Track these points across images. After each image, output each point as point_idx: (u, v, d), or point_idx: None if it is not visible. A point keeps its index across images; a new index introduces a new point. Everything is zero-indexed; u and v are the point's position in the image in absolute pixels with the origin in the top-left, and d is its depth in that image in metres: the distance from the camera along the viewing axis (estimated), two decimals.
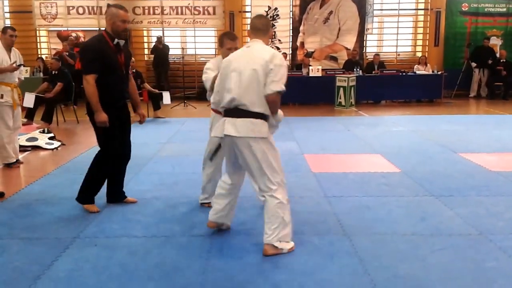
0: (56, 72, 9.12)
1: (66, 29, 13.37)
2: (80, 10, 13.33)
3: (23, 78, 6.13)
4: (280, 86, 3.12)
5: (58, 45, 13.04)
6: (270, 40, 3.69)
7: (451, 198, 4.39)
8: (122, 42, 3.95)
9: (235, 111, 3.20)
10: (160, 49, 12.86)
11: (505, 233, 3.54)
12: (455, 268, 3.00)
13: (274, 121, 3.30)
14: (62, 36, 13.12)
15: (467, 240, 3.44)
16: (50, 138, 6.99)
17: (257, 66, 3.12)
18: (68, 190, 4.68)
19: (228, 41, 3.94)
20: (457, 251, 3.26)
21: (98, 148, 4.08)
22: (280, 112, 3.33)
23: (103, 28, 4.17)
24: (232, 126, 3.18)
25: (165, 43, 13.19)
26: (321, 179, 5.02)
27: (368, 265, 3.05)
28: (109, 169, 4.14)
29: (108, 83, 3.86)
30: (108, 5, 4.01)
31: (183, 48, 13.33)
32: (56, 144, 6.90)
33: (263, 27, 3.35)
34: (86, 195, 4.12)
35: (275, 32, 13.43)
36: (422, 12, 14.11)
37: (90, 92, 3.81)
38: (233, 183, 3.46)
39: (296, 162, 5.78)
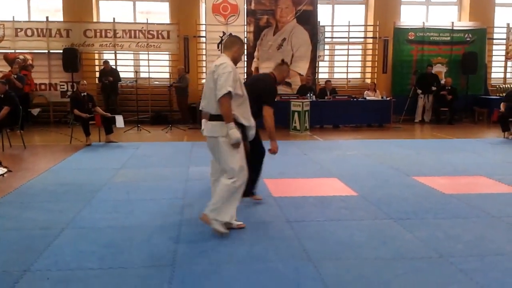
0: (2, 96, 8.72)
1: (13, 51, 12.89)
2: (29, 32, 12.88)
3: None
4: (224, 90, 3.75)
5: (5, 68, 12.53)
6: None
7: (409, 221, 4.45)
8: None
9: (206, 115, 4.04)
10: (109, 72, 12.64)
11: (464, 255, 3.61)
12: None
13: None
14: (9, 59, 12.63)
15: (428, 263, 3.47)
16: None
17: (209, 76, 3.93)
18: (15, 220, 4.41)
19: None
20: (419, 275, 3.28)
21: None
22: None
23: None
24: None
25: (113, 67, 12.97)
26: (282, 204, 4.99)
27: None
28: None
29: None
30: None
31: (136, 72, 13.11)
32: (2, 170, 6.53)
33: (227, 43, 4.08)
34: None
35: None
36: (370, 40, 14.59)
37: (272, 121, 4.90)
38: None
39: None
